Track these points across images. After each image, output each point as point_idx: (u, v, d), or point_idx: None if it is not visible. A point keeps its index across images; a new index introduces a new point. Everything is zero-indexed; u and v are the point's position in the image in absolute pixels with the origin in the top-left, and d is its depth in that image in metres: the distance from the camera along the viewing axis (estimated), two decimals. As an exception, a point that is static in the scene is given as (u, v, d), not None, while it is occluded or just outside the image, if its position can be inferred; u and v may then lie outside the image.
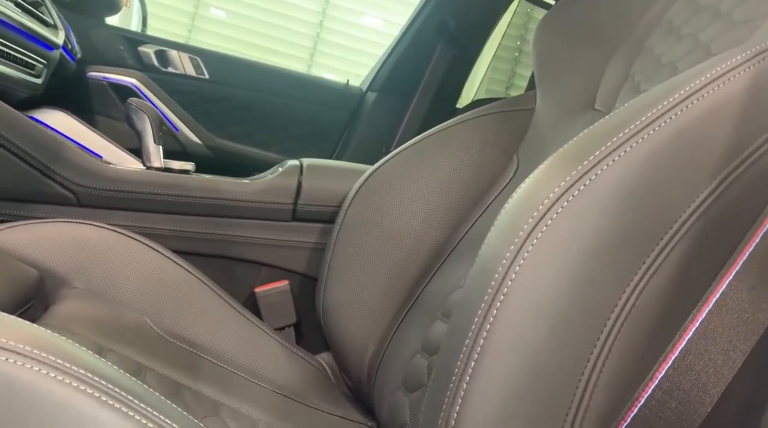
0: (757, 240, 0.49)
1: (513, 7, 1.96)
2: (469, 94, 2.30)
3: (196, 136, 1.80)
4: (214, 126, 1.83)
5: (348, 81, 1.98)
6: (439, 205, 0.95)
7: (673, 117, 0.45)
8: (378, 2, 3.97)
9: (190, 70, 1.82)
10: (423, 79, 1.92)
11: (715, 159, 0.46)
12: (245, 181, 1.08)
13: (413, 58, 1.91)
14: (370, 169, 0.99)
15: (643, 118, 0.45)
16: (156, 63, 1.78)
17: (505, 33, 2.35)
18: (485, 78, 2.51)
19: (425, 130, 1.94)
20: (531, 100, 0.99)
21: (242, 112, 1.86)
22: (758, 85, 0.47)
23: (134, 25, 2.01)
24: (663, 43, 0.83)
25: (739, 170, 0.47)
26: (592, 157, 0.45)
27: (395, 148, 1.91)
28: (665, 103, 0.46)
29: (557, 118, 0.90)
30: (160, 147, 1.08)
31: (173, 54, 1.81)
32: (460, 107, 2.04)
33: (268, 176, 1.10)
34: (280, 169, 1.10)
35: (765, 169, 0.48)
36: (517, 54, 2.86)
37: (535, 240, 0.44)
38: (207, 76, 1.82)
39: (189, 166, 1.09)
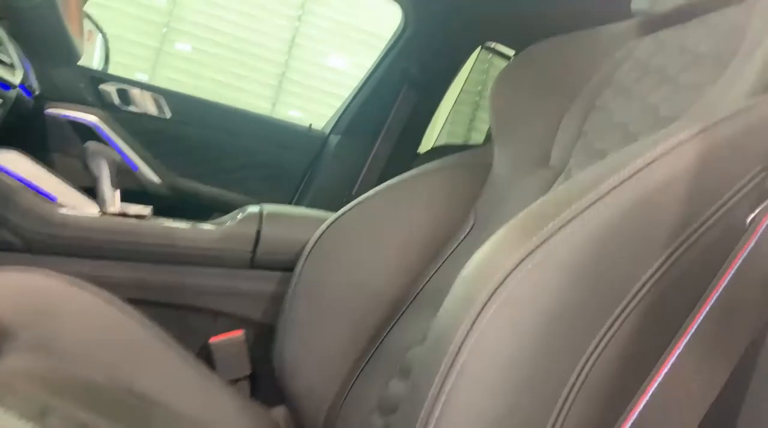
0: (705, 311, 0.51)
1: (474, 55, 2.01)
2: (431, 139, 2.33)
3: (156, 175, 1.78)
4: (175, 165, 1.81)
5: (311, 125, 1.99)
6: (397, 259, 0.95)
7: (624, 191, 0.47)
8: (342, 44, 4.02)
9: (152, 109, 1.80)
10: (386, 123, 1.95)
11: (665, 232, 0.48)
12: (204, 227, 1.07)
13: (376, 103, 1.94)
14: (330, 218, 0.99)
15: (596, 192, 0.47)
16: (117, 101, 1.76)
17: (467, 79, 2.40)
18: (447, 123, 2.55)
19: (387, 175, 1.98)
20: (489, 154, 1.00)
21: (204, 152, 1.84)
22: (705, 160, 0.49)
23: (96, 62, 1.99)
24: (614, 102, 0.86)
25: (689, 242, 0.48)
26: (546, 229, 0.46)
27: (357, 192, 1.94)
28: (617, 176, 0.47)
29: (513, 175, 0.92)
30: (117, 191, 1.06)
31: (135, 92, 1.79)
32: (422, 152, 2.07)
33: (227, 222, 1.09)
34: (239, 215, 1.09)
35: (713, 240, 0.50)
36: (477, 99, 2.93)
37: (490, 312, 0.45)
38: (169, 116, 1.81)
39: (146, 210, 1.07)
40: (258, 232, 1.03)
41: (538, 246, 0.45)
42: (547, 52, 1.03)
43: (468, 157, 1.02)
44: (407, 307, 0.91)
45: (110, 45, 2.04)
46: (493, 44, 1.95)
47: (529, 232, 0.46)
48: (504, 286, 0.45)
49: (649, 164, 0.48)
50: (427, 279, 0.92)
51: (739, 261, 0.49)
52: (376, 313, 0.93)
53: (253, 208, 1.09)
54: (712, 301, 0.50)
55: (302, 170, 1.96)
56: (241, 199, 1.85)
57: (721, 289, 0.49)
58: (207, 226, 1.08)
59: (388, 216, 0.98)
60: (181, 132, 1.81)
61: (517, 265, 0.45)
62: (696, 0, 0.81)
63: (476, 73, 2.51)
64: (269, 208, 1.09)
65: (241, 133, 1.88)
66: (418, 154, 2.07)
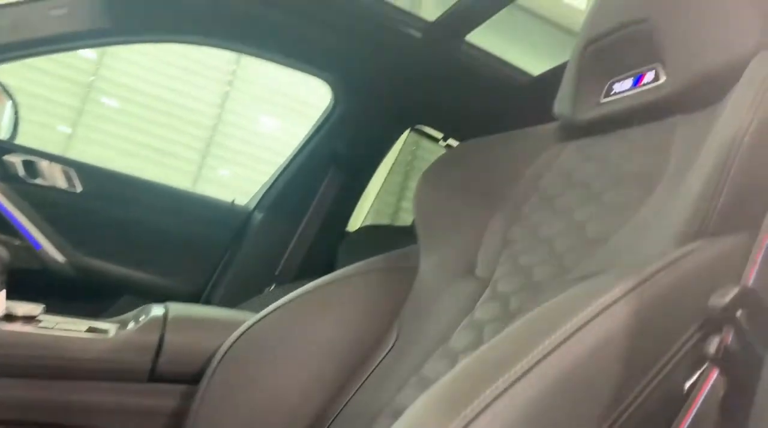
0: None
1: (404, 137, 2.00)
2: (359, 218, 2.29)
3: (60, 253, 1.64)
4: (82, 243, 1.68)
5: (234, 200, 1.91)
6: (315, 373, 0.88)
7: (554, 361, 0.42)
8: (273, 110, 3.99)
9: (61, 183, 1.69)
10: (313, 202, 1.90)
11: (599, 406, 0.43)
12: (100, 329, 0.96)
13: (304, 181, 1.89)
14: (243, 326, 0.91)
15: (525, 361, 0.42)
16: (22, 173, 1.63)
17: (396, 160, 2.40)
18: (375, 203, 2.53)
19: (314, 254, 1.92)
20: (414, 257, 0.96)
21: (116, 229, 1.73)
22: (638, 320, 0.45)
23: (3, 131, 1.86)
24: (539, 213, 0.83)
25: (624, 417, 0.44)
26: (472, 406, 0.40)
27: (281, 273, 1.85)
28: (546, 344, 0.43)
29: (438, 284, 0.87)
30: (3, 291, 0.94)
31: (43, 165, 1.67)
32: (351, 231, 2.02)
33: (128, 324, 0.98)
34: (142, 317, 0.99)
35: (650, 412, 0.45)
36: (405, 179, 2.94)
37: None
38: (79, 189, 1.69)
39: (37, 309, 0.96)
40: (161, 339, 0.93)
41: None
42: (473, 152, 1.01)
43: (393, 260, 0.97)
44: None
45: (34, 103, 1.92)
46: (422, 127, 1.95)
47: (451, 409, 0.40)
48: None
49: (580, 328, 0.43)
50: (348, 398, 0.85)
51: (678, 430, 0.45)
52: None
53: (157, 310, 0.99)
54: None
55: (222, 248, 1.87)
56: (154, 281, 1.74)
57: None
58: (105, 327, 0.97)
59: (307, 325, 0.91)
60: (91, 207, 1.70)
61: None
62: (615, 113, 0.80)
63: (404, 154, 2.52)
64: (175, 309, 1.00)
65: (158, 209, 1.78)
66: (347, 233, 2.02)
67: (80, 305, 1.64)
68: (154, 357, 0.92)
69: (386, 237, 1.81)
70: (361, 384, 0.84)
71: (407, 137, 2.07)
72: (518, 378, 0.41)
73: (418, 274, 0.93)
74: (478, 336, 0.74)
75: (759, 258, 0.47)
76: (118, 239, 1.72)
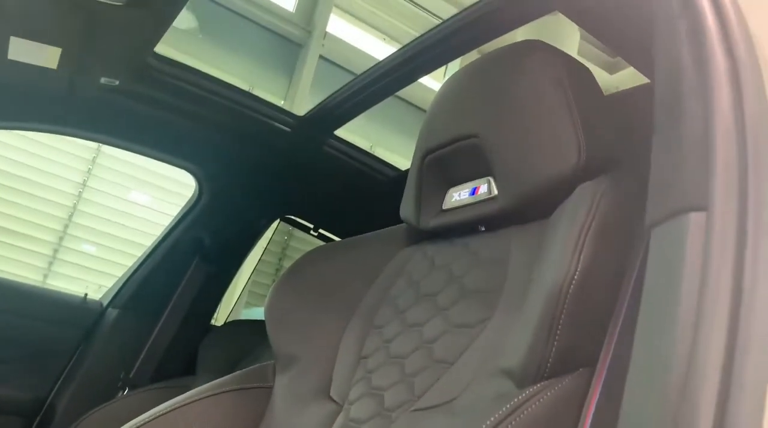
0: None
1: (274, 226, 1.97)
2: (226, 311, 2.20)
3: None
4: None
5: (86, 295, 1.77)
6: None
7: None
8: (138, 187, 3.83)
9: None
10: (174, 296, 1.79)
11: None
12: None
13: (165, 274, 1.79)
14: None
15: None
16: None
17: (265, 249, 2.35)
18: (243, 294, 2.44)
19: (173, 352, 1.79)
20: (270, 374, 0.91)
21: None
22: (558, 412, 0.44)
23: None
24: (390, 327, 0.82)
25: None
26: None
27: (135, 375, 1.71)
28: None
29: (291, 406, 0.83)
30: None
31: None
32: (216, 326, 1.92)
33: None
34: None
35: None
36: (277, 270, 2.88)
37: None
38: None
39: None
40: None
41: None
42: (325, 258, 0.99)
43: (247, 379, 0.92)
44: None
45: None
46: (292, 217, 1.93)
47: None
48: None
49: None
50: None
51: None
52: None
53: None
54: None
55: (72, 347, 1.71)
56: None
57: None
58: None
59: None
60: None
61: None
62: (456, 222, 0.83)
63: (275, 244, 2.47)
64: None
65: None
66: (213, 326, 1.92)
67: None
68: None
69: (253, 333, 1.73)
70: None
71: (278, 226, 2.03)
72: None
73: (272, 393, 0.88)
74: (330, 473, 0.71)
75: (593, 406, 0.48)
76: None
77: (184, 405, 0.87)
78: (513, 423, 0.47)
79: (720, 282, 0.37)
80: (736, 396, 0.33)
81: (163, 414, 0.86)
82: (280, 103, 3.36)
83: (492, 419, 0.47)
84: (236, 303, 2.39)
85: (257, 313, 2.56)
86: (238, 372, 0.93)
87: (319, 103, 1.50)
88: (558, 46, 0.78)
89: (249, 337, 1.70)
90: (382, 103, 1.43)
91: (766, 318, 0.35)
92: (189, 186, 1.81)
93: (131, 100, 1.41)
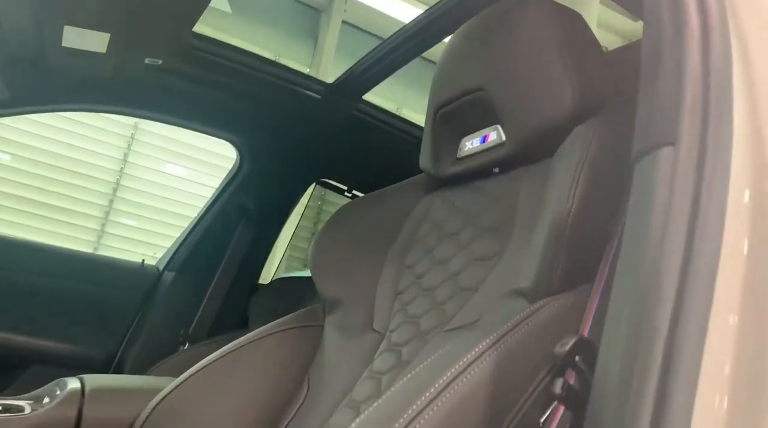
0: None
1: (309, 191, 2.09)
2: (270, 271, 2.34)
3: (-41, 328, 1.60)
4: (-18, 316, 1.64)
5: (143, 261, 1.92)
6: None
7: (430, 414, 0.51)
8: (179, 162, 3.97)
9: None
10: (223, 258, 1.93)
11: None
12: (16, 405, 0.97)
13: (213, 238, 1.92)
14: (160, 394, 0.95)
15: (405, 416, 0.50)
16: None
17: (303, 213, 2.48)
18: (285, 255, 2.58)
19: (226, 309, 1.94)
20: (321, 315, 1.04)
21: (22, 298, 1.70)
22: (501, 369, 0.55)
23: None
24: (421, 264, 0.94)
25: None
26: None
27: (194, 330, 1.87)
28: (422, 399, 0.52)
29: (341, 339, 0.95)
30: None
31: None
32: (262, 284, 2.07)
33: (43, 400, 0.99)
34: (57, 390, 1.01)
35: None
36: (312, 234, 3.01)
37: None
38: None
39: (-55, 392, 0.96)
40: (79, 413, 0.96)
41: None
42: (360, 209, 1.10)
43: (301, 319, 1.04)
44: None
45: None
46: (327, 180, 2.04)
47: None
48: None
49: (452, 381, 0.53)
50: None
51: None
52: None
53: (72, 383, 1.01)
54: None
55: (133, 309, 1.86)
56: (63, 349, 1.71)
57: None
58: (19, 404, 0.98)
59: (221, 389, 0.95)
60: (-10, 278, 1.66)
61: None
62: (470, 169, 0.93)
63: (310, 209, 2.60)
64: (91, 381, 1.02)
65: (64, 275, 1.76)
66: (259, 286, 2.06)
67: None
68: (73, 432, 0.94)
69: (297, 288, 1.87)
70: (277, 439, 0.90)
71: (313, 191, 2.15)
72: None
73: (324, 331, 1.01)
74: (377, 386, 0.83)
75: (592, 313, 0.58)
76: (22, 309, 1.69)
77: (251, 342, 1.00)
78: (524, 327, 0.58)
79: (682, 205, 0.46)
80: (693, 277, 0.43)
81: (231, 351, 0.99)
82: (306, 71, 3.43)
83: (507, 325, 0.57)
84: (280, 262, 2.54)
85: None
86: (292, 314, 1.05)
87: (347, 70, 1.60)
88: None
89: (293, 292, 1.83)
90: (407, 66, 1.52)
91: (713, 235, 0.45)
92: (223, 157, 1.93)
93: (174, 78, 1.52)
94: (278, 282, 2.06)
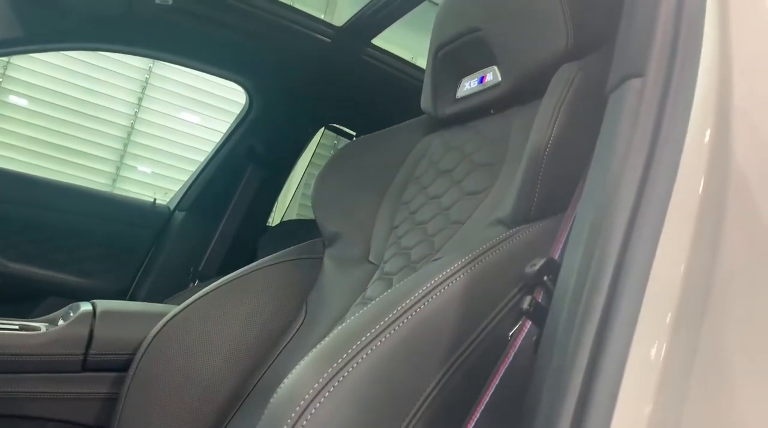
0: (481, 409, 0.60)
1: (319, 134, 2.12)
2: (279, 212, 2.39)
3: (-21, 259, 1.67)
4: (3, 247, 1.71)
5: (155, 200, 1.97)
6: (233, 353, 0.99)
7: (407, 319, 0.55)
8: (191, 107, 3.99)
9: (-24, 189, 1.71)
10: (233, 199, 1.98)
11: (444, 349, 0.57)
12: (32, 326, 1.03)
13: (223, 179, 1.97)
14: (167, 315, 1.01)
15: (382, 322, 0.55)
16: (-64, 181, 1.65)
17: (312, 157, 2.51)
18: (295, 197, 2.63)
19: (236, 249, 2.00)
20: (320, 248, 1.08)
21: (37, 232, 1.76)
22: (474, 285, 0.59)
23: None
24: (416, 200, 0.98)
25: (464, 355, 0.58)
26: (341, 359, 0.53)
27: (203, 268, 1.93)
28: (401, 306, 0.56)
29: (339, 269, 1.00)
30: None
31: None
32: (271, 226, 2.12)
33: (58, 321, 1.06)
34: (71, 313, 1.07)
35: (483, 352, 0.60)
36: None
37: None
38: (-5, 195, 1.72)
39: (-35, 312, 1.02)
40: (90, 332, 1.02)
41: (337, 372, 0.53)
42: (361, 149, 1.13)
43: (301, 251, 1.09)
44: (245, 399, 0.95)
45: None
46: (335, 125, 2.07)
47: (328, 361, 0.53)
48: (309, 409, 0.51)
49: (426, 294, 0.57)
50: (265, 369, 0.96)
51: (503, 368, 0.59)
52: (213, 408, 0.96)
53: (85, 306, 1.07)
54: (486, 400, 0.59)
55: (146, 247, 1.93)
56: (79, 282, 1.79)
57: (491, 391, 0.59)
58: (35, 324, 1.04)
59: (223, 312, 1.01)
60: (9, 212, 1.73)
61: (320, 391, 0.52)
62: (468, 109, 0.95)
63: (325, 148, 2.63)
64: (102, 305, 1.08)
65: (79, 211, 1.83)
66: (269, 227, 2.12)
67: (5, 308, 1.67)
68: (85, 349, 1.01)
69: (304, 230, 1.91)
70: (273, 361, 0.96)
71: (322, 135, 2.18)
72: (376, 335, 0.54)
73: (323, 262, 1.06)
74: (367, 311, 0.88)
75: (563, 238, 0.62)
76: (36, 243, 1.76)
77: (251, 272, 1.06)
78: (499, 249, 0.62)
79: (644, 134, 0.49)
80: (646, 202, 0.46)
81: (235, 279, 1.05)
82: (321, 16, 3.40)
83: (483, 247, 0.61)
84: (288, 205, 2.59)
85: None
86: (293, 246, 1.10)
87: (356, 13, 1.60)
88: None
89: (300, 233, 1.88)
90: (421, 12, 1.52)
91: (669, 166, 0.48)
92: (237, 104, 1.95)
93: (184, 18, 1.54)
94: (286, 225, 2.11)
